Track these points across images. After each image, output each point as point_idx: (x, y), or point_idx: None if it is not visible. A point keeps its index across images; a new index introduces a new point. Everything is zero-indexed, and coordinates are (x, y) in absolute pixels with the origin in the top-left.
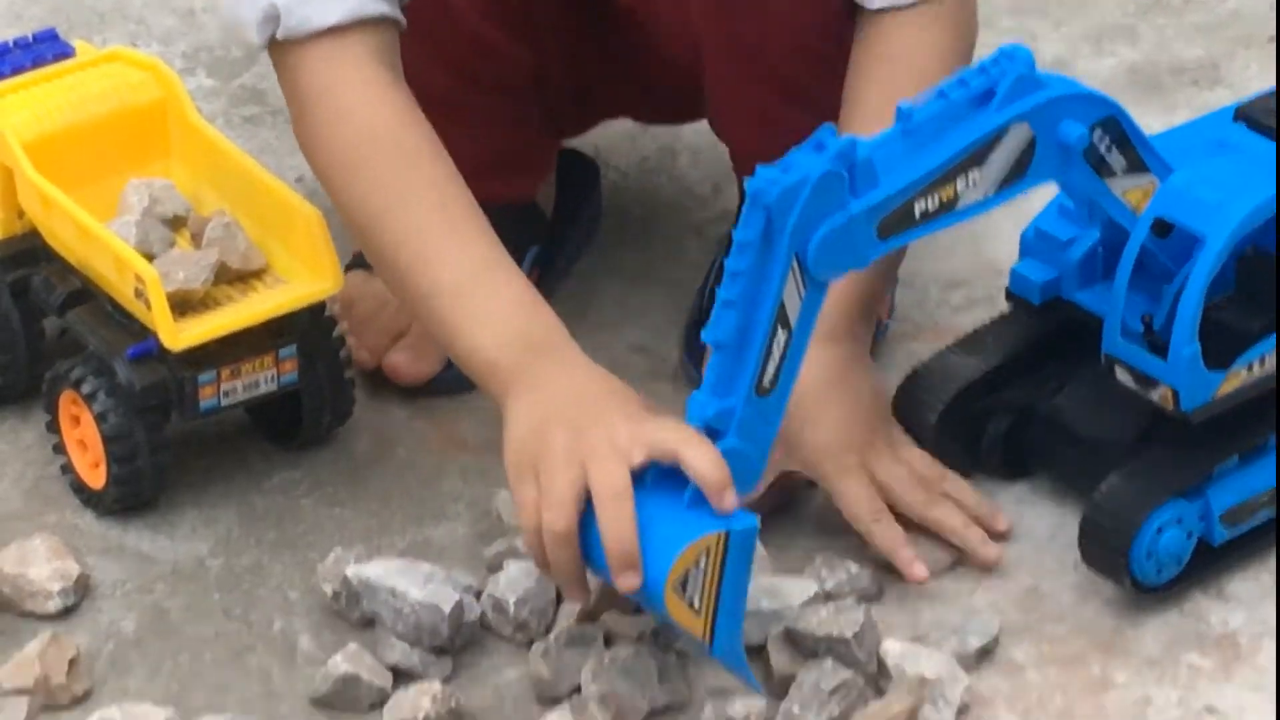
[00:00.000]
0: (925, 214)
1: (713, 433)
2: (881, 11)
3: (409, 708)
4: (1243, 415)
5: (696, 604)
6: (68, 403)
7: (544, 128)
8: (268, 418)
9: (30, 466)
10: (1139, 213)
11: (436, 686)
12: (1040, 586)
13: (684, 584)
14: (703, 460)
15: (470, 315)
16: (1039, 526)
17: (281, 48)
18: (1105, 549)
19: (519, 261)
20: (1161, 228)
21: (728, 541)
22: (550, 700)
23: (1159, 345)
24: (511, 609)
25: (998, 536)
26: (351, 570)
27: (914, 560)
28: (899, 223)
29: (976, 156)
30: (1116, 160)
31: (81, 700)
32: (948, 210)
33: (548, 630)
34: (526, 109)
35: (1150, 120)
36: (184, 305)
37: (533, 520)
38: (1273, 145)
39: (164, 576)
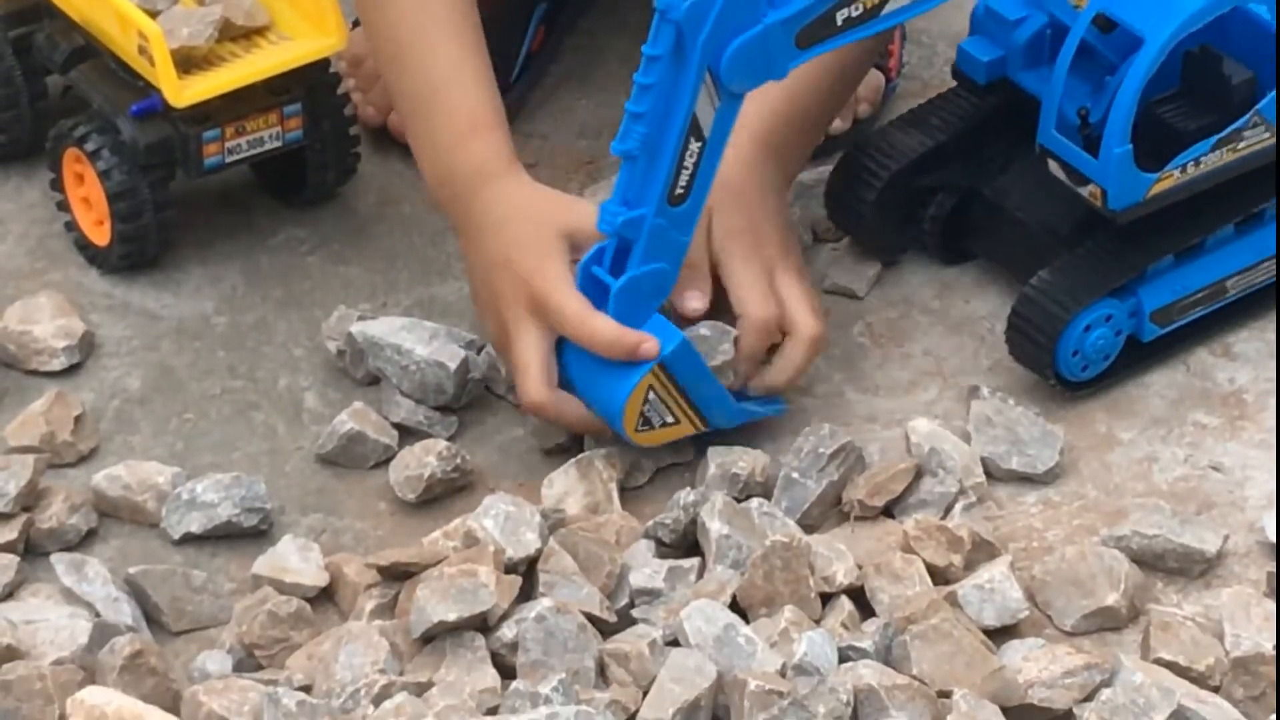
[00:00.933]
0: (848, 21)
1: (624, 239)
2: None
3: (415, 464)
4: (1178, 215)
5: (670, 419)
6: (71, 160)
7: None
8: (272, 175)
9: (34, 225)
10: (1080, 6)
11: (442, 444)
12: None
13: (645, 419)
14: (598, 342)
15: (421, 135)
16: None
17: None
18: (1032, 345)
19: (526, 20)
20: (1105, 23)
21: (665, 367)
22: (548, 450)
23: (1092, 141)
24: (504, 369)
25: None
26: (356, 328)
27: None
28: (819, 31)
29: None
30: None
31: (87, 458)
32: (873, 16)
33: None
34: None
35: None
36: (188, 62)
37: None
38: None
39: (169, 334)
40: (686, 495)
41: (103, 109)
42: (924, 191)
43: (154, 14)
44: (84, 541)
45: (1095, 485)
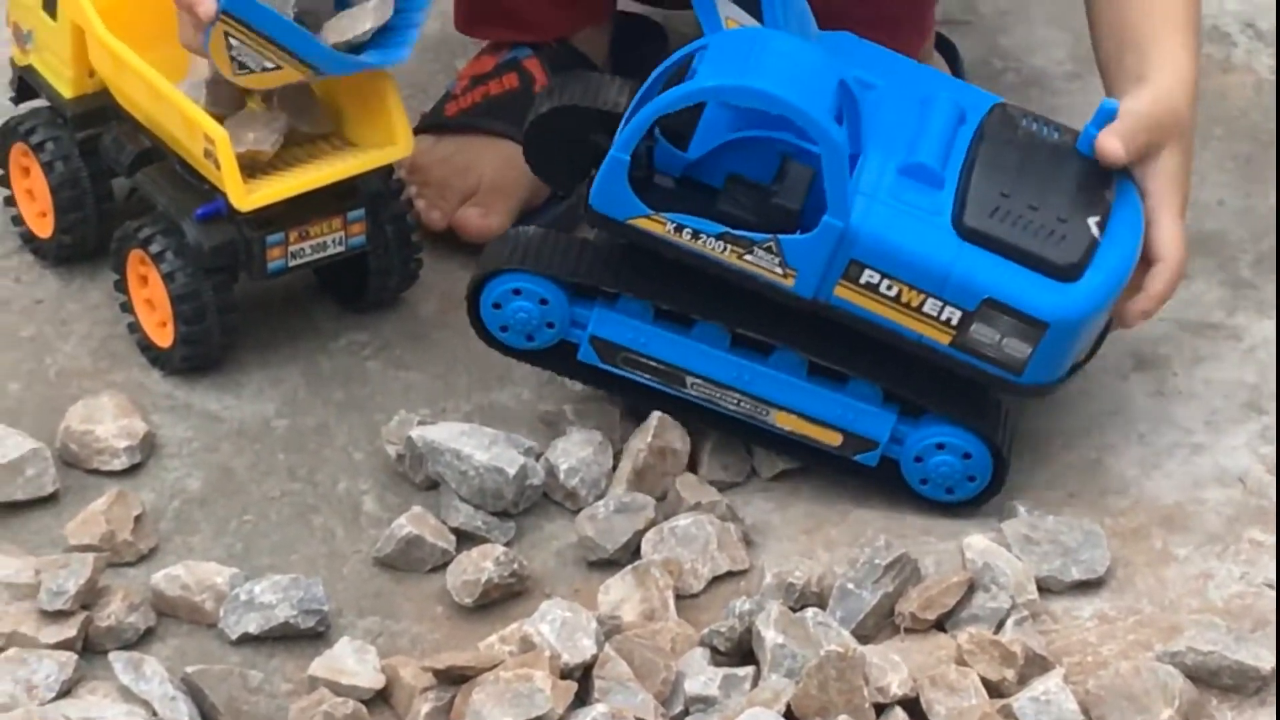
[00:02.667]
0: None
1: None
2: None
3: (472, 569)
4: (685, 279)
5: (270, 65)
6: (135, 262)
7: None
8: (335, 280)
9: (98, 325)
10: None
11: (499, 549)
12: (1103, 460)
13: (243, 65)
14: None
15: None
16: (1104, 397)
17: None
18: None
19: None
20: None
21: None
22: (595, 563)
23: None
24: (562, 476)
25: None
26: (416, 432)
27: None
28: None
29: None
30: None
31: (147, 557)
32: None
33: (598, 500)
34: None
35: None
36: (253, 167)
37: None
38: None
39: (230, 436)
40: (742, 604)
41: (168, 211)
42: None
43: (221, 119)
44: (142, 640)
45: (1150, 600)
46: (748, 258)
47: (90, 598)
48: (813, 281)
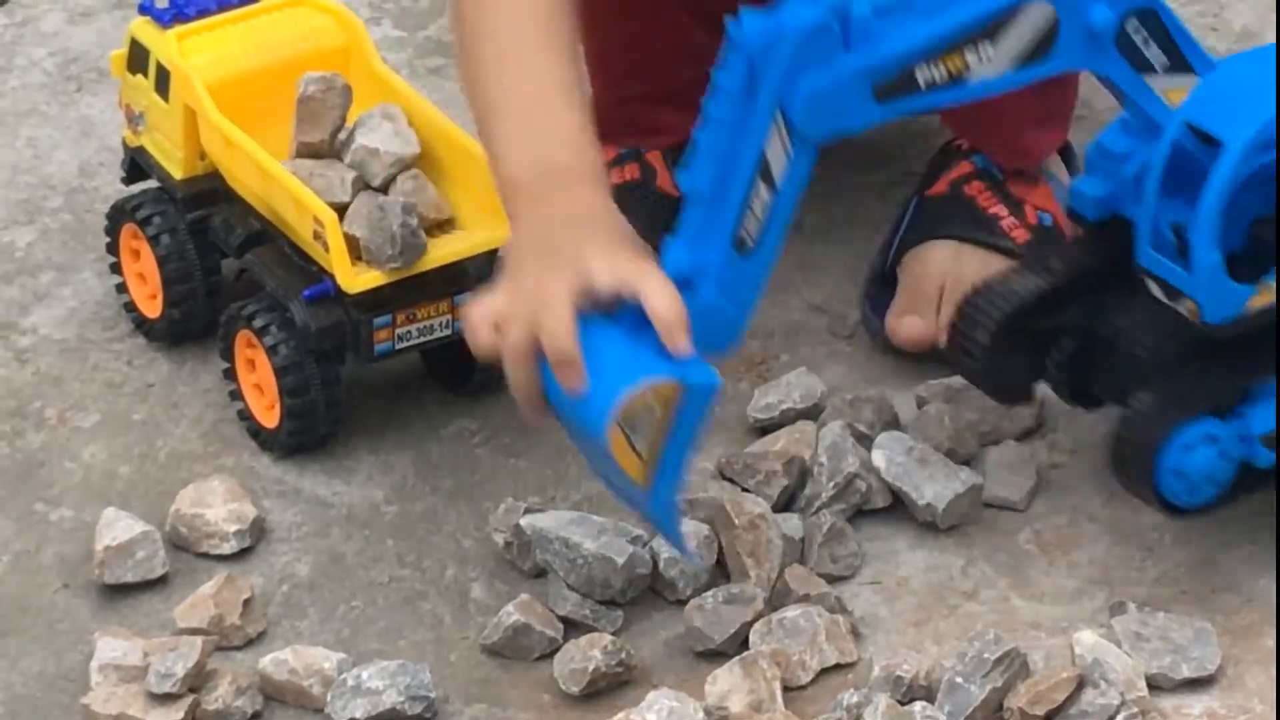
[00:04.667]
0: (931, 83)
1: (688, 284)
2: None
3: (580, 658)
4: None
5: (639, 448)
6: (243, 345)
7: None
8: (442, 363)
9: (209, 409)
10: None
11: (607, 638)
12: (1215, 558)
13: (631, 426)
14: (659, 296)
15: (508, 136)
16: None
17: None
18: (1131, 467)
19: None
20: (1203, 134)
21: (683, 394)
22: (702, 653)
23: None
24: (661, 565)
25: None
26: (525, 520)
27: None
28: (900, 88)
29: (988, 30)
30: (1156, 56)
31: (255, 641)
32: (957, 82)
33: (695, 593)
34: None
35: None
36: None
37: (481, 314)
38: None
39: (339, 521)
40: (850, 696)
41: (276, 292)
42: (1045, 335)
43: (340, 206)
44: None
45: (1261, 699)
46: None
47: (198, 681)
48: None
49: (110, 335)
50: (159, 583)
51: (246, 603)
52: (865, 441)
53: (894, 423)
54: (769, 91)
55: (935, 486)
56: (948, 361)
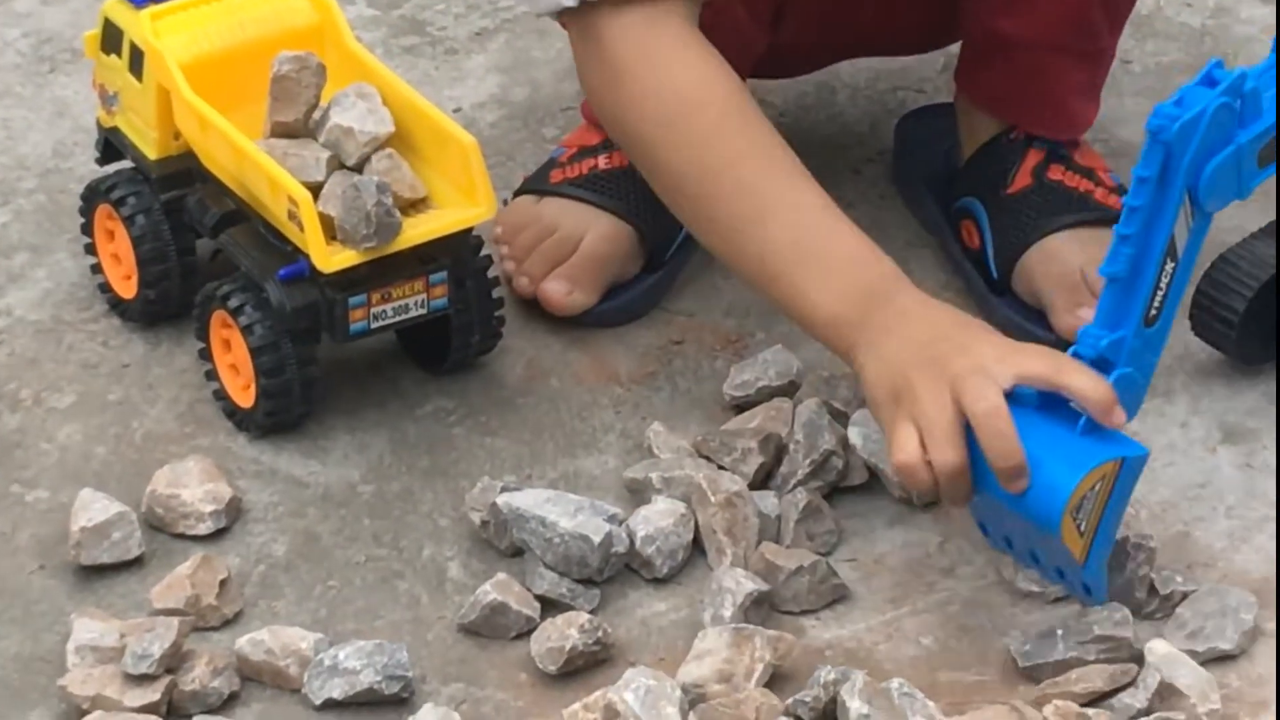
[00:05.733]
0: None
1: (1104, 363)
2: None
3: (556, 637)
4: None
5: (1083, 528)
6: (218, 325)
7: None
8: (417, 342)
9: (185, 390)
10: None
11: (584, 617)
12: (1191, 533)
13: (1077, 509)
14: (1084, 381)
15: (808, 273)
16: (1191, 470)
17: (590, 15)
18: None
19: None
20: None
21: (1121, 467)
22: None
23: None
24: (638, 543)
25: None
26: (501, 499)
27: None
28: (1275, 149)
29: None
30: None
31: (231, 622)
32: None
33: (672, 572)
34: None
35: None
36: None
37: (914, 458)
38: None
39: (315, 501)
40: (827, 673)
41: (251, 272)
42: None
43: (315, 185)
44: (226, 705)
45: (1239, 675)
46: None
47: (175, 662)
48: None
49: (85, 316)
50: (135, 564)
51: (223, 583)
52: (841, 418)
53: None
54: (1182, 173)
55: None
56: (1195, 332)
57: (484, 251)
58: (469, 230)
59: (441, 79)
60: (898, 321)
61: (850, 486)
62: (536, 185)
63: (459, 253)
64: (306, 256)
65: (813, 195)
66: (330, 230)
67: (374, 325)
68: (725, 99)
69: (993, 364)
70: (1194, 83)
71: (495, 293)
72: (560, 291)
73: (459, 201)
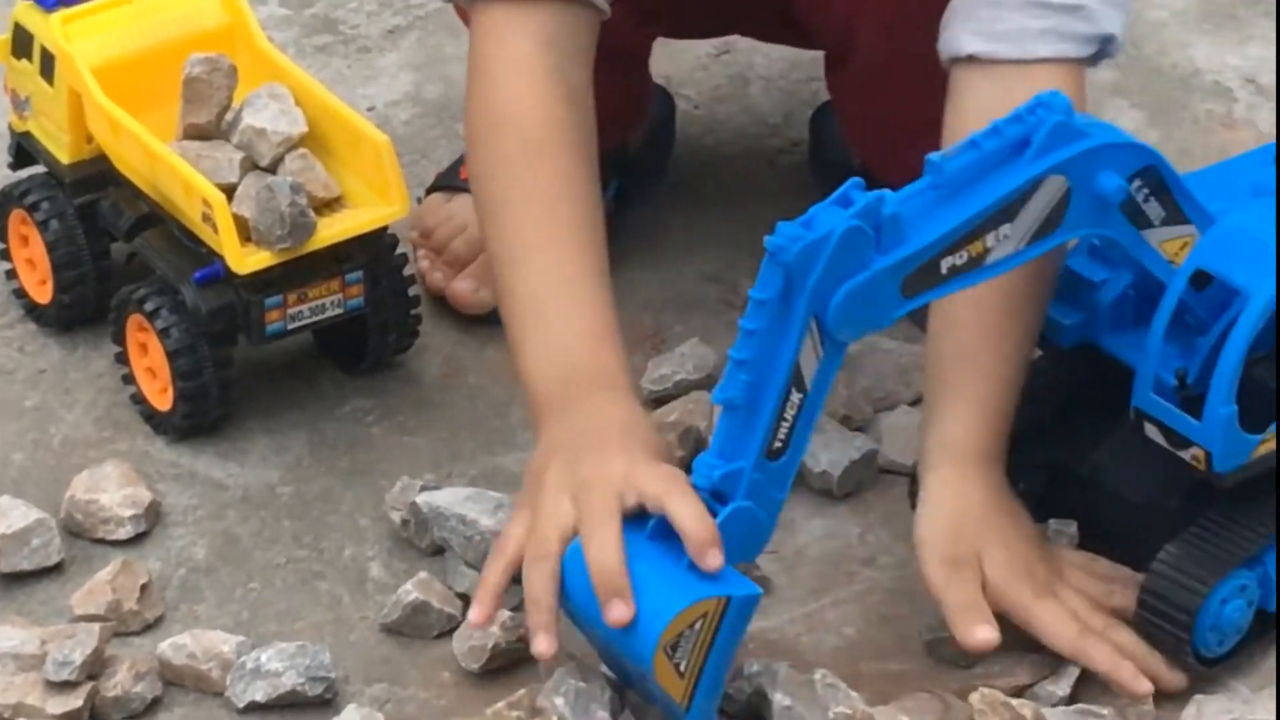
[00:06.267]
0: (953, 269)
1: (720, 496)
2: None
3: (479, 635)
4: None
5: (683, 668)
6: (135, 329)
7: (672, 30)
8: (334, 342)
9: (102, 394)
10: (1177, 264)
11: (505, 614)
12: None
13: (674, 646)
14: (687, 514)
15: (532, 336)
16: None
17: (472, 6)
18: (1169, 624)
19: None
20: (1200, 279)
21: (726, 607)
22: None
23: (1192, 402)
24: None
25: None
26: (421, 498)
27: (1137, 674)
28: (925, 280)
29: (1009, 210)
30: (1154, 210)
31: (153, 626)
32: (976, 266)
33: None
34: (634, 63)
35: (1226, 54)
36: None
37: (507, 548)
38: None
39: (235, 503)
40: (750, 666)
41: (166, 275)
42: (1012, 470)
43: (229, 187)
44: (149, 710)
45: None
46: None
47: (96, 668)
48: None
49: (0, 322)
50: (55, 570)
51: (144, 588)
52: None
53: None
54: (806, 299)
55: (830, 454)
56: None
57: (399, 250)
58: (384, 229)
59: (354, 77)
60: (574, 413)
61: None
62: (448, 182)
63: (374, 251)
64: (222, 258)
65: (572, 259)
66: (245, 232)
67: (291, 326)
68: (534, 127)
69: (619, 477)
70: (827, 201)
71: (411, 291)
72: (467, 290)
73: (373, 200)
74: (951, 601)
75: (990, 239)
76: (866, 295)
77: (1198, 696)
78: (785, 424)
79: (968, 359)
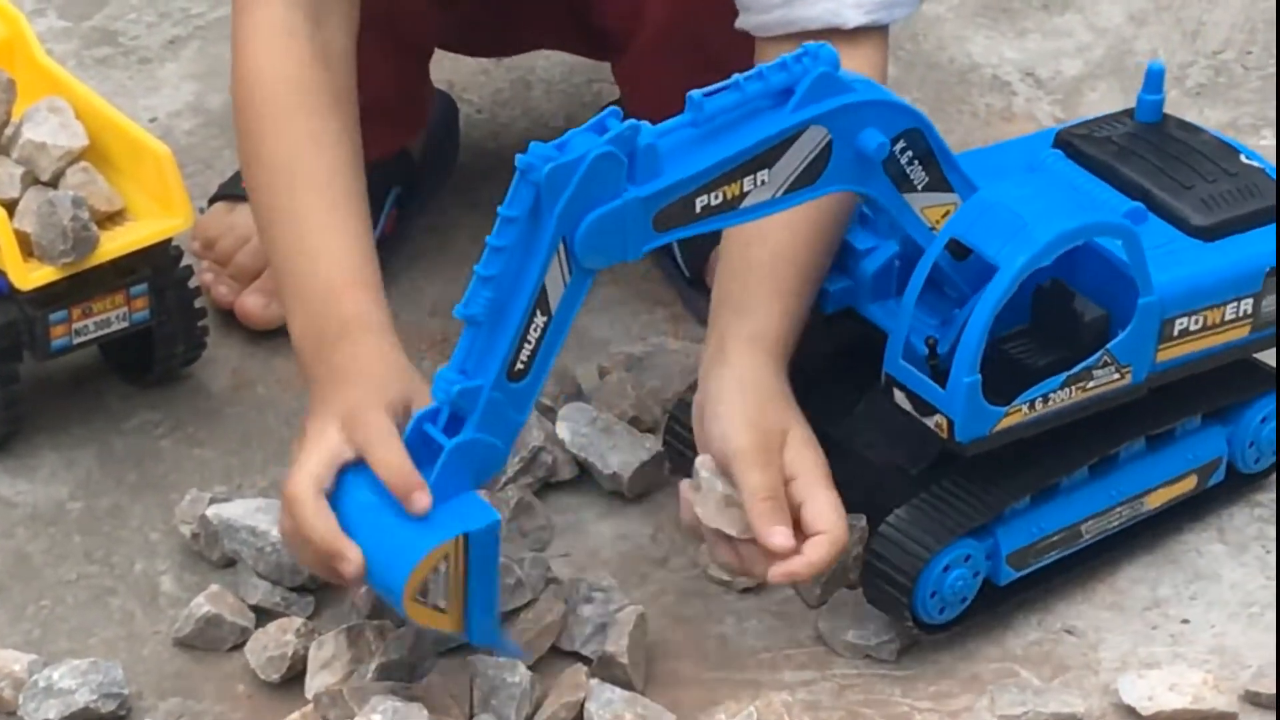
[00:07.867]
0: (707, 209)
1: (458, 410)
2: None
3: (274, 645)
4: (1035, 454)
5: (441, 604)
6: None
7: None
8: (121, 356)
9: None
10: (937, 231)
11: (299, 621)
12: None
13: (423, 593)
14: (383, 464)
15: (288, 294)
16: None
17: None
18: (890, 586)
19: (379, 204)
20: (958, 250)
21: (470, 541)
22: None
23: (940, 371)
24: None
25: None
26: (211, 510)
27: (774, 531)
28: (678, 216)
29: (767, 156)
30: (918, 175)
31: None
32: (731, 208)
33: None
34: (414, 61)
35: (1003, 48)
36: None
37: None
38: (1083, 175)
39: (24, 520)
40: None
41: None
42: None
43: (9, 202)
44: None
45: None
46: (1090, 385)
47: None
48: (1144, 364)
49: None
50: None
51: None
52: (549, 413)
53: (577, 393)
54: (554, 222)
55: (620, 455)
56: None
57: (184, 262)
58: (168, 241)
59: (136, 89)
60: (342, 364)
61: (560, 482)
62: (231, 190)
63: (158, 264)
64: (4, 274)
65: (318, 208)
66: (27, 247)
67: (76, 341)
68: (278, 85)
69: (336, 431)
70: (583, 127)
71: (197, 303)
72: (258, 306)
73: (156, 213)
74: (754, 484)
75: (747, 183)
76: (616, 224)
77: (990, 688)
78: (528, 346)
79: (766, 269)
